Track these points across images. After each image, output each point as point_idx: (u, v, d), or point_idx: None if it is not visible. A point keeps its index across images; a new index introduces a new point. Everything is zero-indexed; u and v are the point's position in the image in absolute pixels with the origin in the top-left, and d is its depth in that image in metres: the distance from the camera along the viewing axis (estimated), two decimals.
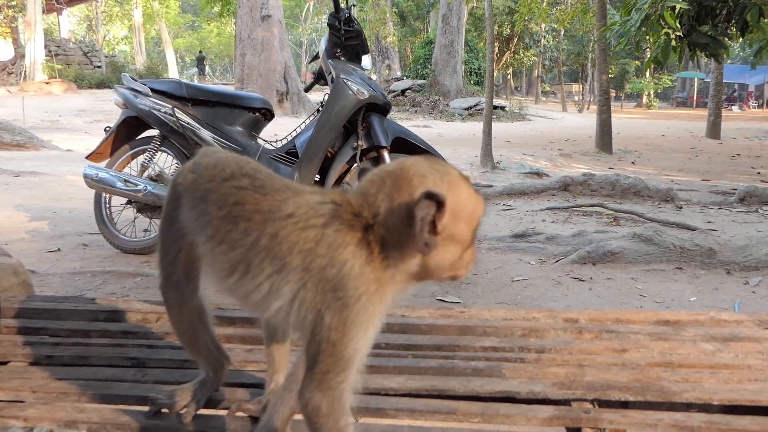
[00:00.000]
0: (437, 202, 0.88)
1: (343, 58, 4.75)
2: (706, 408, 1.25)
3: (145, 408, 1.23)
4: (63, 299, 1.76)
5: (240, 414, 1.21)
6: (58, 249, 5.34)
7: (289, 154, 4.77)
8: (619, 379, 1.36)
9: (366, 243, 0.91)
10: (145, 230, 5.21)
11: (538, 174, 10.29)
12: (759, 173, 11.27)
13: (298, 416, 1.04)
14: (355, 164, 4.61)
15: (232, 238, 0.99)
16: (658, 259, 4.80)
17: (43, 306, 1.71)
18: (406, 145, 4.71)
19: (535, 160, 12.09)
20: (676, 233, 5.27)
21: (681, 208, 7.43)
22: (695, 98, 44.42)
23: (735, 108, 39.71)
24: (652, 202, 7.68)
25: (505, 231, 6.11)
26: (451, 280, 0.99)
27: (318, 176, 4.74)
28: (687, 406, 1.25)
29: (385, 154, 4.55)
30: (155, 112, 4.83)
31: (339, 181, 4.67)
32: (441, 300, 4.08)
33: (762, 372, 1.38)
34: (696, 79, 44.14)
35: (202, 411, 1.22)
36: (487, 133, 10.74)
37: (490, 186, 8.44)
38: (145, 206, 4.93)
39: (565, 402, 1.28)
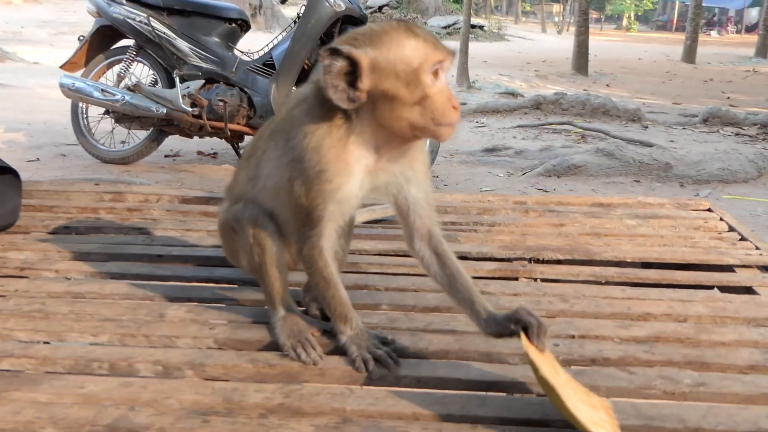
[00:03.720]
0: (347, 58, 0.93)
1: None
2: (620, 264, 1.52)
3: (159, 264, 1.46)
4: (70, 183, 1.95)
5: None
6: (38, 159, 5.41)
7: (266, 65, 4.83)
8: (554, 244, 1.62)
9: (327, 117, 1.00)
10: (123, 141, 5.28)
11: (513, 94, 10.41)
12: (729, 98, 11.50)
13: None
14: None
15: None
16: (618, 172, 5.09)
17: (52, 188, 1.90)
18: None
19: (510, 81, 12.16)
20: (636, 149, 5.54)
21: (647, 127, 7.69)
22: (675, 22, 44.02)
23: (714, 32, 39.55)
24: (620, 121, 7.92)
25: (477, 146, 6.34)
26: (433, 137, 1.01)
27: (295, 88, 4.85)
28: (606, 264, 1.52)
29: None
30: (130, 21, 4.81)
31: None
32: None
33: (670, 239, 1.67)
34: (677, 2, 43.59)
35: None
36: (464, 52, 10.73)
37: (464, 104, 8.58)
38: (123, 116, 4.95)
39: (508, 260, 1.54)
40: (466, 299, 1.10)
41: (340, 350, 1.11)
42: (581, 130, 7.07)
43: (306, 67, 4.79)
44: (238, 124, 4.74)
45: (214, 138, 4.97)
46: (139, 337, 1.13)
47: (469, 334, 1.17)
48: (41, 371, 1.06)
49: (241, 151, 5.30)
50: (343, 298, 1.11)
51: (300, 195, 1.03)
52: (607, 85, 12.82)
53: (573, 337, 1.17)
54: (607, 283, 1.43)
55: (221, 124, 4.65)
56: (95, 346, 1.10)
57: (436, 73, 0.97)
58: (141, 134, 5.12)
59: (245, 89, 4.75)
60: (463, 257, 1.55)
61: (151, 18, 4.76)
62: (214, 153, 5.71)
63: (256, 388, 0.99)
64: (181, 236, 1.62)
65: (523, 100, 8.47)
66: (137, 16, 4.78)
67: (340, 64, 0.93)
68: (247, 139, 5.28)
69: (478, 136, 7.01)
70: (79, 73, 5.16)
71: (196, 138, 5.07)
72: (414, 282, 1.40)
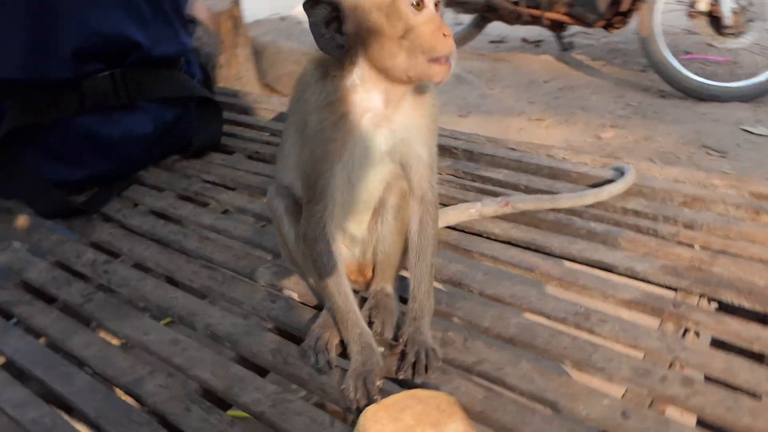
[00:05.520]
0: (329, 4, 0.88)
1: None
2: None
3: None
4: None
5: None
6: None
7: None
8: (752, 279, 1.05)
9: (324, 76, 0.94)
10: (458, 24, 5.34)
11: None
12: None
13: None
14: None
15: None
16: None
17: (267, 106, 2.08)
18: None
19: None
20: None
21: None
22: None
23: None
24: None
25: None
26: (427, 79, 0.89)
27: None
28: None
29: None
30: None
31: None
32: (746, 130, 3.43)
33: None
34: None
35: None
36: None
37: None
38: (452, 1, 5.02)
39: (668, 289, 1.10)
40: (411, 283, 1.04)
41: None
42: None
43: None
44: (557, 12, 4.40)
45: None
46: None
47: (502, 399, 0.91)
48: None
49: (564, 41, 4.94)
50: (347, 299, 1.00)
51: (306, 161, 0.98)
52: None
53: None
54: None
55: (539, 12, 4.47)
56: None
57: (420, 4, 0.87)
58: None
59: None
60: (608, 269, 1.17)
61: None
62: (539, 41, 5.39)
63: None
64: None
65: None
66: None
67: (322, 11, 0.89)
68: (571, 29, 4.83)
69: None
70: None
71: None
72: (515, 293, 1.12)
